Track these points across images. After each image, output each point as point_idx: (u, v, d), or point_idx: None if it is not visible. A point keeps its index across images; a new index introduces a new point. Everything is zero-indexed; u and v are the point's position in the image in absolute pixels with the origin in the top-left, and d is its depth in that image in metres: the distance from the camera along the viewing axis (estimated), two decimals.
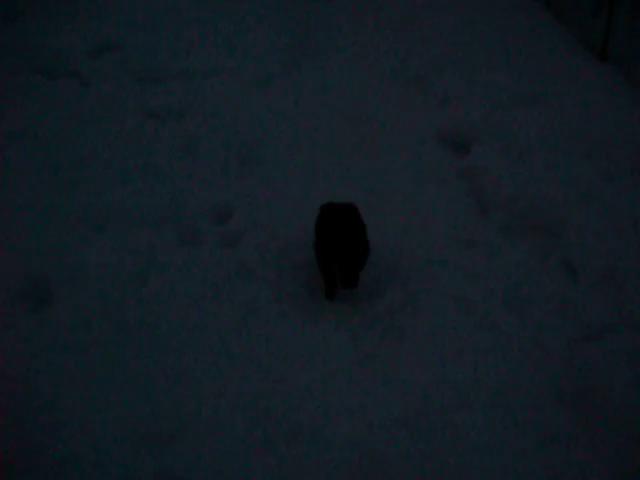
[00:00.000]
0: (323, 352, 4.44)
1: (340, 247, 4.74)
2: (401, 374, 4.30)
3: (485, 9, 11.32)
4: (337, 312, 4.78)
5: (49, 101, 7.64)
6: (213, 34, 9.97)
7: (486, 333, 4.65)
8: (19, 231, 5.24)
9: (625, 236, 5.35)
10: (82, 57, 9.02)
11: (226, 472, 3.79)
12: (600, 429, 3.92)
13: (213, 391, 4.15)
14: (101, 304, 4.69)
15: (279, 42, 10.11)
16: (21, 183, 5.80)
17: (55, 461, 3.79)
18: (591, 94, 7.71)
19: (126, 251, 5.17)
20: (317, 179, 6.24)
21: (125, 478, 3.72)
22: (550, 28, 10.50)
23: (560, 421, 4.04)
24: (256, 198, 6.06)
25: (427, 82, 8.83)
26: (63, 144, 6.50)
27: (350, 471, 3.80)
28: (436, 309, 4.83)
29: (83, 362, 4.25)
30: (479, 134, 7.11)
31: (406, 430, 3.97)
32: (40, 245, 5.12)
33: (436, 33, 10.31)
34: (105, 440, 3.89)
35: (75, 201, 5.61)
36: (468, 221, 5.91)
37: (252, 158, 6.74)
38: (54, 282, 4.82)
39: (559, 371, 4.31)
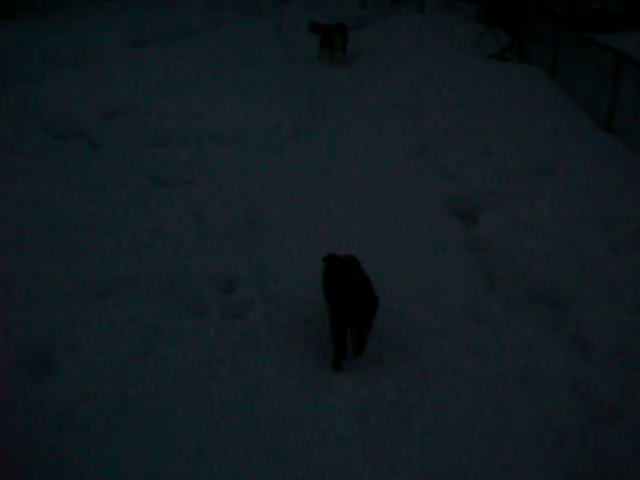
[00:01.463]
0: (329, 429, 4.30)
1: (353, 299, 4.72)
2: (409, 456, 4.15)
3: (490, 78, 11.56)
4: (344, 387, 4.66)
5: (58, 162, 7.73)
6: (222, 102, 10.16)
7: (497, 413, 4.51)
8: (23, 298, 5.18)
9: (634, 311, 5.27)
10: (93, 119, 9.18)
11: None
12: None
13: (218, 469, 4.00)
14: (104, 376, 4.57)
15: (287, 110, 10.29)
16: (26, 249, 5.77)
17: None
18: (599, 165, 7.73)
19: (130, 320, 5.09)
20: (324, 248, 6.19)
21: None
22: (555, 97, 10.66)
23: None
24: (263, 267, 6.02)
25: (434, 151, 8.92)
26: (71, 207, 6.52)
27: None
28: (445, 388, 4.70)
29: (84, 439, 4.11)
30: (487, 204, 7.11)
31: None
32: (44, 312, 5.04)
33: (442, 102, 10.51)
34: None
35: (80, 268, 5.58)
36: (477, 294, 5.84)
37: (259, 225, 6.75)
38: (57, 351, 4.72)
39: (573, 454, 4.15)
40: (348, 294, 4.76)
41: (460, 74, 11.76)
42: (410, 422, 4.39)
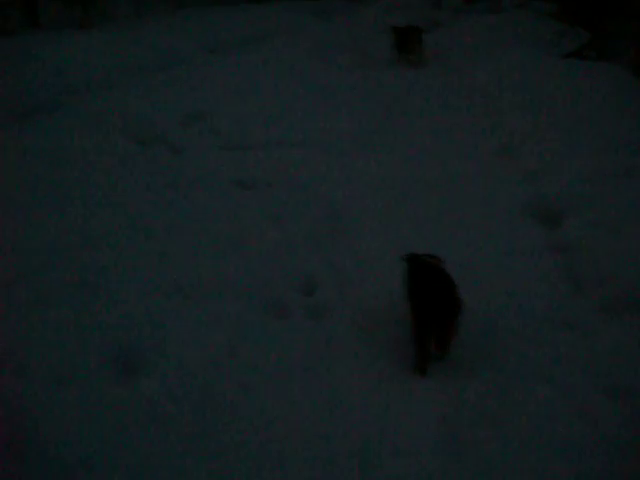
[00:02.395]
0: (413, 436, 4.26)
1: (438, 300, 4.66)
2: (496, 465, 4.06)
3: (568, 77, 11.23)
4: (426, 392, 4.61)
5: (142, 168, 7.94)
6: (298, 106, 10.23)
7: (584, 422, 4.36)
8: (112, 298, 5.33)
9: None
10: (173, 125, 9.39)
11: None
12: None
13: (298, 473, 4.01)
14: (190, 376, 4.65)
15: (363, 113, 10.27)
16: (114, 250, 5.94)
17: None
18: None
19: (215, 322, 5.17)
20: (403, 250, 6.14)
21: None
22: (637, 98, 10.28)
23: None
24: (343, 270, 6.02)
25: (513, 152, 8.74)
26: (157, 211, 6.68)
27: None
28: (531, 395, 4.58)
29: (168, 436, 4.19)
30: (570, 207, 6.91)
31: None
32: (132, 313, 5.18)
33: (520, 102, 10.28)
34: None
35: (167, 270, 5.71)
36: (563, 299, 5.70)
37: (338, 228, 6.75)
38: (144, 351, 4.82)
39: None
40: (433, 295, 4.70)
41: (537, 73, 11.46)
42: (496, 431, 4.30)
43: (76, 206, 6.81)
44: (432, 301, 4.67)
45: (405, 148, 9.19)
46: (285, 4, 20.46)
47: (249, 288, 5.60)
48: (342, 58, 14.22)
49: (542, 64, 12.14)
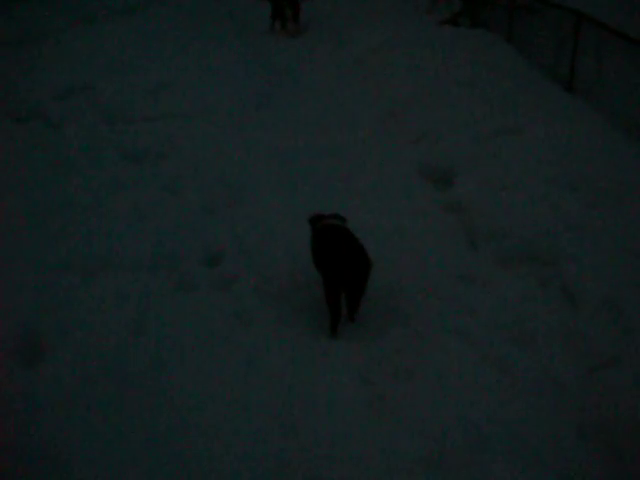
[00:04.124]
0: (334, 395, 4.29)
1: (348, 262, 4.69)
2: (416, 415, 4.18)
3: (446, 43, 11.54)
4: (343, 352, 4.65)
5: (23, 147, 7.47)
6: (180, 77, 9.89)
7: (495, 369, 4.57)
8: (7, 283, 5.01)
9: (617, 264, 5.37)
10: (49, 100, 8.88)
11: None
12: (627, 466, 3.83)
13: (229, 442, 3.95)
14: (99, 356, 4.46)
15: (247, 83, 10.09)
16: (6, 231, 5.57)
17: None
18: (564, 125, 7.80)
19: (119, 299, 4.97)
20: (302, 217, 6.13)
21: None
22: (514, 60, 10.70)
23: (582, 456, 3.95)
24: (245, 239, 5.95)
25: (400, 117, 8.88)
26: (44, 189, 6.32)
27: None
28: (441, 346, 4.74)
29: (89, 421, 4.00)
30: (460, 167, 7.13)
31: (429, 472, 3.84)
32: (31, 296, 4.89)
33: (402, 68, 10.46)
34: None
35: (63, 249, 5.42)
36: (460, 255, 5.90)
37: (235, 198, 6.65)
38: (48, 334, 4.58)
39: (575, 404, 4.24)
40: (342, 256, 4.72)
41: (416, 40, 11.69)
42: (413, 383, 4.42)
43: None
44: (342, 262, 4.69)
45: (293, 118, 9.14)
46: None
47: (151, 262, 5.43)
48: (220, 28, 13.89)
49: (419, 31, 12.42)
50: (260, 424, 4.05)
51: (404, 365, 4.56)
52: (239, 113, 8.94)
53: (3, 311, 4.68)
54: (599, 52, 8.56)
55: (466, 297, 5.31)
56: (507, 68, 10.11)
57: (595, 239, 5.64)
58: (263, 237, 6.02)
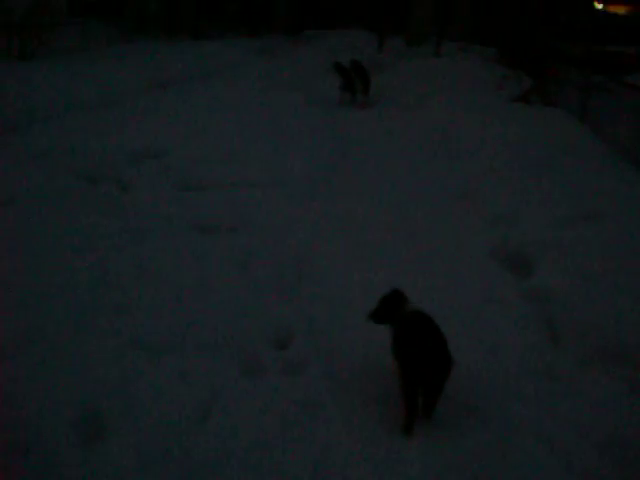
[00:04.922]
0: None
1: (429, 360, 4.41)
2: None
3: (519, 121, 11.38)
4: (419, 454, 4.33)
5: (93, 208, 7.49)
6: (250, 145, 9.95)
7: None
8: (72, 355, 4.87)
9: None
10: (123, 163, 9.00)
11: None
12: None
13: None
14: (161, 441, 4.24)
15: (317, 155, 10.10)
16: (72, 302, 5.49)
17: None
18: None
19: (185, 380, 4.78)
20: (374, 297, 5.92)
21: None
22: (589, 141, 10.45)
23: None
24: (314, 319, 5.75)
25: (475, 198, 8.68)
26: (113, 256, 6.25)
27: None
28: (525, 455, 4.38)
29: None
30: (540, 253, 6.84)
31: None
32: (93, 371, 4.74)
33: (477, 146, 10.32)
34: None
35: (128, 323, 5.29)
36: (542, 350, 5.55)
37: (306, 275, 6.49)
38: (111, 413, 4.40)
39: None
40: (425, 352, 4.46)
41: (488, 117, 11.60)
42: None
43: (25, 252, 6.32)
44: (424, 358, 4.43)
45: (363, 190, 9.05)
46: (226, 41, 20.34)
47: (218, 341, 5.24)
48: (291, 97, 14.09)
49: (491, 107, 12.33)
50: None
51: (484, 473, 4.22)
52: (309, 183, 8.90)
53: (63, 384, 4.53)
54: None
55: (549, 398, 4.94)
56: (582, 149, 9.88)
57: None
58: (334, 318, 5.81)
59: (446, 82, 14.88)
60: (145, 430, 4.33)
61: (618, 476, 4.25)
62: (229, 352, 5.16)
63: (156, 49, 16.96)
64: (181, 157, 9.29)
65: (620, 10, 21.87)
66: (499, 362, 5.39)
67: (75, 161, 8.82)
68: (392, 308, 4.97)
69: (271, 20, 29.10)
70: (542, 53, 15.18)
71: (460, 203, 8.57)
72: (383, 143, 11.05)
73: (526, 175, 8.73)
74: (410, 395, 4.48)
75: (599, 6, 21.52)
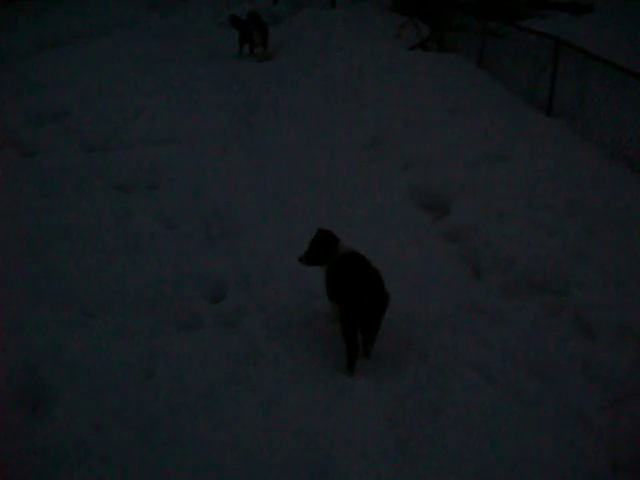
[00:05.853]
0: (360, 436, 4.12)
1: (366, 296, 4.53)
2: (447, 454, 4.04)
3: (421, 68, 11.54)
4: (364, 390, 4.49)
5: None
6: (156, 102, 9.65)
7: (518, 403, 4.46)
8: (5, 325, 4.69)
9: (626, 291, 5.34)
10: (24, 126, 8.56)
11: None
12: None
13: None
14: (109, 403, 4.19)
15: (228, 109, 9.93)
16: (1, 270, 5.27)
17: None
18: (549, 149, 7.84)
19: (124, 339, 4.72)
20: (300, 247, 5.96)
21: None
22: (489, 84, 10.75)
23: None
24: (246, 271, 5.76)
25: (385, 144, 8.79)
26: (36, 221, 6.00)
27: None
28: (462, 382, 4.61)
29: (101, 472, 3.75)
30: (453, 194, 7.06)
31: None
32: (31, 337, 4.58)
33: (381, 96, 10.40)
34: None
35: (61, 286, 5.14)
36: (465, 285, 5.81)
37: (230, 228, 6.46)
38: (52, 378, 4.27)
39: (605, 437, 4.15)
40: (360, 288, 4.57)
41: (391, 65, 11.70)
42: (439, 421, 4.28)
43: None
44: (361, 294, 4.53)
45: (275, 143, 9.00)
46: None
47: (153, 299, 5.19)
48: (187, 52, 13.69)
49: (393, 55, 12.43)
50: (284, 468, 3.85)
51: (428, 402, 4.42)
52: (222, 139, 8.76)
53: (2, 350, 4.37)
54: (581, 77, 8.63)
55: (478, 329, 5.19)
56: (484, 92, 10.15)
57: (600, 266, 5.62)
58: (264, 268, 5.85)
59: (345, 32, 14.84)
60: (91, 394, 4.26)
61: (543, 388, 4.54)
62: (165, 309, 5.13)
63: (43, 8, 16.00)
64: (83, 117, 8.91)
65: None
66: (429, 298, 5.60)
67: None
68: (324, 249, 5.03)
69: None
70: (438, 0, 15.36)
71: (370, 150, 8.67)
72: (289, 96, 10.95)
73: (433, 119, 8.92)
74: (349, 333, 4.60)
75: None
